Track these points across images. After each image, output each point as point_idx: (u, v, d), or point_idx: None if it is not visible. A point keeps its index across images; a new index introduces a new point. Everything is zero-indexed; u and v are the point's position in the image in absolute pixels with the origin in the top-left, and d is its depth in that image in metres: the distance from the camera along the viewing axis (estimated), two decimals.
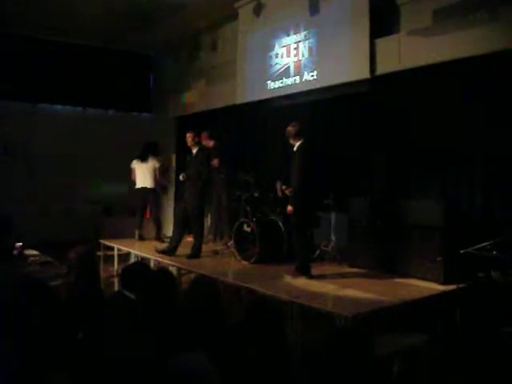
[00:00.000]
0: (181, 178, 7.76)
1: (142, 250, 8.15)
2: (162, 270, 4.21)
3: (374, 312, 4.73)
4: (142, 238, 9.28)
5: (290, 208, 6.10)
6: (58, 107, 11.87)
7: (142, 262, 6.18)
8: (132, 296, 3.35)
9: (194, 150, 7.70)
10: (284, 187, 6.81)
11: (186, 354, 2.17)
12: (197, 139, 7.75)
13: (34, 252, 6.22)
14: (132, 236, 9.31)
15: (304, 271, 6.02)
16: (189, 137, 7.69)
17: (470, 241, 5.20)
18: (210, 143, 8.80)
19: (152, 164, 9.37)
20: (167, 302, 2.83)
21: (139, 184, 9.39)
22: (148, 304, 2.78)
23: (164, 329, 2.34)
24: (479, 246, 5.05)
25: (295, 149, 6.18)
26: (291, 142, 6.24)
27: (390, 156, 7.10)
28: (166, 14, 9.59)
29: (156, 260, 7.54)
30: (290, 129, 6.23)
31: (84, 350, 2.49)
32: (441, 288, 5.45)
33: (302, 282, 5.85)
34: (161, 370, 2.08)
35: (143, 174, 9.36)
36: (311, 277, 5.99)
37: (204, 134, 8.80)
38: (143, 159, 9.38)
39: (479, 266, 5.24)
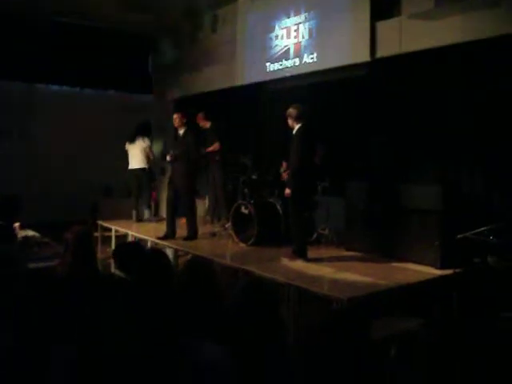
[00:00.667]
0: (168, 158, 7.70)
1: (140, 232, 8.16)
2: (155, 251, 4.21)
3: (370, 295, 4.76)
4: (139, 220, 9.30)
5: (287, 191, 6.09)
6: (56, 87, 11.78)
7: (135, 242, 6.18)
8: (125, 276, 3.36)
9: (182, 131, 7.62)
10: (282, 170, 6.79)
11: (208, 344, 2.18)
12: (184, 120, 7.64)
13: (32, 232, 6.22)
14: (130, 217, 9.34)
15: (301, 254, 6.04)
16: (176, 118, 7.62)
17: (468, 225, 5.20)
18: (207, 124, 8.79)
19: (139, 144, 9.37)
20: (162, 283, 2.83)
21: (130, 165, 9.43)
22: (142, 284, 2.78)
23: (159, 310, 2.34)
24: (476, 231, 5.05)
25: (294, 132, 6.16)
26: (290, 124, 6.19)
27: (388, 140, 7.08)
28: None
29: (153, 242, 7.55)
30: (291, 110, 6.17)
31: (82, 330, 2.50)
32: (437, 272, 5.47)
33: (299, 264, 5.86)
34: (183, 358, 2.08)
35: (133, 156, 9.40)
36: (308, 260, 6.00)
37: (200, 115, 8.78)
38: (131, 140, 9.40)
39: (476, 251, 5.25)
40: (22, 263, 3.94)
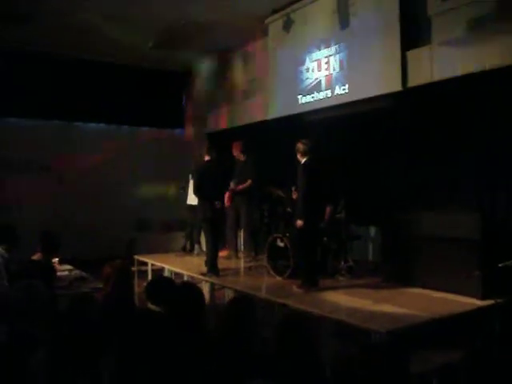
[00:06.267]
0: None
1: (176, 266, 8.18)
2: (186, 284, 4.23)
3: (409, 328, 4.64)
4: (184, 251, 9.34)
5: (300, 222, 6.14)
6: (93, 125, 12.10)
7: (166, 277, 6.20)
8: (158, 309, 3.38)
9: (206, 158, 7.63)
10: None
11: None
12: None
13: (70, 267, 6.33)
14: (166, 251, 9.42)
15: (311, 283, 6.13)
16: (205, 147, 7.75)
17: (509, 253, 5.07)
18: (242, 157, 8.67)
19: None
20: (193, 317, 2.85)
21: (187, 200, 9.46)
22: (174, 318, 2.80)
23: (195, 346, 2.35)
24: None
25: (301, 165, 6.38)
26: (298, 157, 6.42)
27: (424, 168, 7.01)
28: (198, 32, 9.72)
29: (189, 276, 7.57)
30: (299, 145, 6.42)
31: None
32: (479, 303, 5.32)
33: (335, 297, 5.81)
34: None
35: (190, 192, 9.39)
36: (319, 288, 6.09)
37: (236, 144, 8.67)
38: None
39: None
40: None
